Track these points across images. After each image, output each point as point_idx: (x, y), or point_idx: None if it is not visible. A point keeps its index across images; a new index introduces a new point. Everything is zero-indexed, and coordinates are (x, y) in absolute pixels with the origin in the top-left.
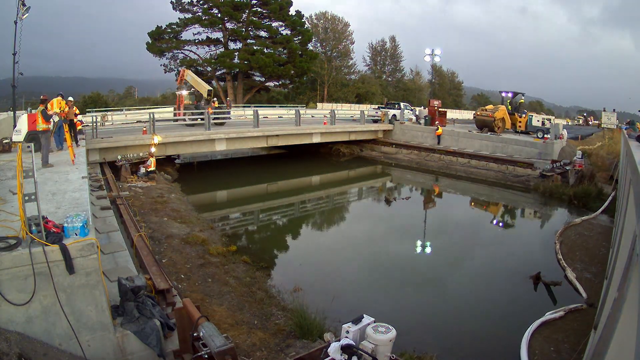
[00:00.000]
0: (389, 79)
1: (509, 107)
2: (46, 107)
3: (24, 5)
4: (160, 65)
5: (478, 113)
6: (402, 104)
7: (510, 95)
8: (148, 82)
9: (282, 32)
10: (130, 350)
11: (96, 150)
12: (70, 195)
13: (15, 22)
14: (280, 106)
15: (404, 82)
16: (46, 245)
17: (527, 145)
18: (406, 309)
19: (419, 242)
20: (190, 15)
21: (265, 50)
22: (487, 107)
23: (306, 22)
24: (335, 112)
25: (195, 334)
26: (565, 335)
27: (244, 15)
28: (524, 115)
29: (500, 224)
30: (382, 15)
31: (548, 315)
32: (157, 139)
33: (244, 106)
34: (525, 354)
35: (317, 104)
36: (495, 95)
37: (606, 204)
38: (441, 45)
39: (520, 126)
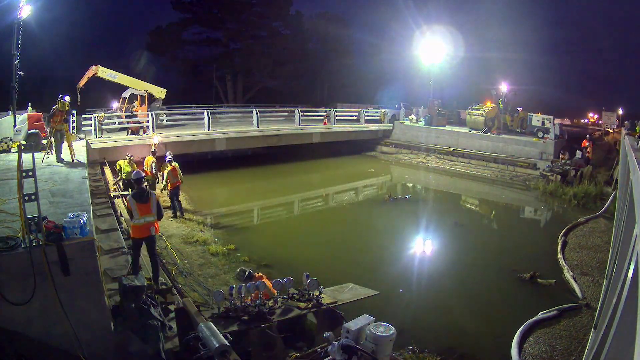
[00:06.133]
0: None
1: (501, 105)
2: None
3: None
4: (160, 64)
5: (468, 113)
6: (402, 103)
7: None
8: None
9: (282, 32)
10: (130, 350)
11: (96, 150)
12: (70, 195)
13: (16, 23)
14: (280, 105)
15: (404, 81)
16: (46, 245)
17: (527, 145)
18: (406, 307)
19: (418, 241)
20: (190, 15)
21: (265, 50)
22: (477, 106)
23: (306, 22)
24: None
25: (195, 334)
26: (558, 335)
27: (244, 15)
28: (516, 115)
29: (499, 223)
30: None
31: (541, 315)
32: (157, 138)
33: (244, 106)
34: (516, 353)
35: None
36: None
37: (608, 203)
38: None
39: (512, 125)
